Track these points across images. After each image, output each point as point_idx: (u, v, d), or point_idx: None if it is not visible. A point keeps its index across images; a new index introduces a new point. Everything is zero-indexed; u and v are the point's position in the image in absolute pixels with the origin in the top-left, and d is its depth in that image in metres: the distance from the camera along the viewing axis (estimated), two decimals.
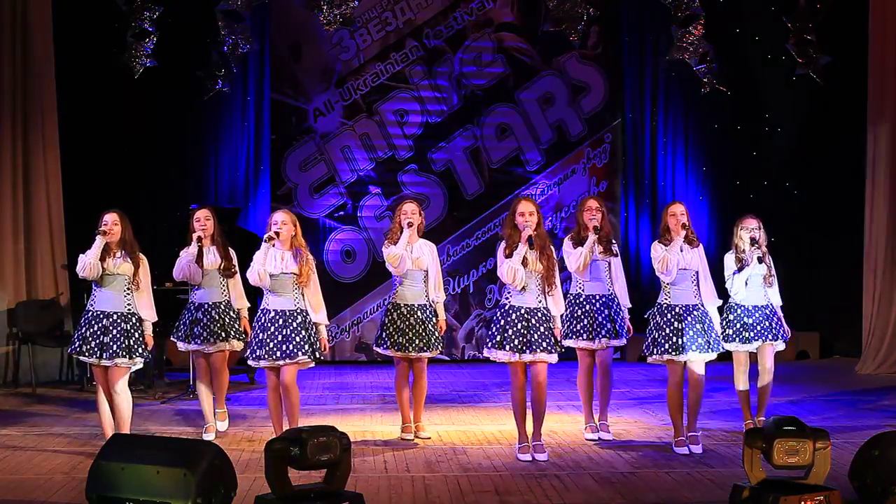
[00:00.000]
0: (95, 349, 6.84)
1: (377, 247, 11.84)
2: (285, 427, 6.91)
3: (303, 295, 7.06)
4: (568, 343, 7.36)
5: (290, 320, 6.96)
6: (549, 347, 6.78)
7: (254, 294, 9.64)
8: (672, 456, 7.00)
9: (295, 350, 6.92)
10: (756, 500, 5.37)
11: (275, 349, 6.90)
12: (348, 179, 11.95)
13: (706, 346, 7.09)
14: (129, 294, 6.97)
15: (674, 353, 7.05)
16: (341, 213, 11.89)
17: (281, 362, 6.93)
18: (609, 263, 7.47)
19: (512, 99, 12.11)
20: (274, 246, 6.96)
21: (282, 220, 7.00)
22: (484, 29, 12.10)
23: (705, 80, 11.49)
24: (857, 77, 11.32)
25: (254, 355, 7.01)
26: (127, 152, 11.40)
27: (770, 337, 7.65)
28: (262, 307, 7.08)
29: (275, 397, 7.10)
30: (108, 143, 11.34)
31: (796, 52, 11.24)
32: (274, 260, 6.95)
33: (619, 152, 12.28)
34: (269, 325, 6.95)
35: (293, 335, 6.93)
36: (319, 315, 7.12)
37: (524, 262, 6.76)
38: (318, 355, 7.07)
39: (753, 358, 7.86)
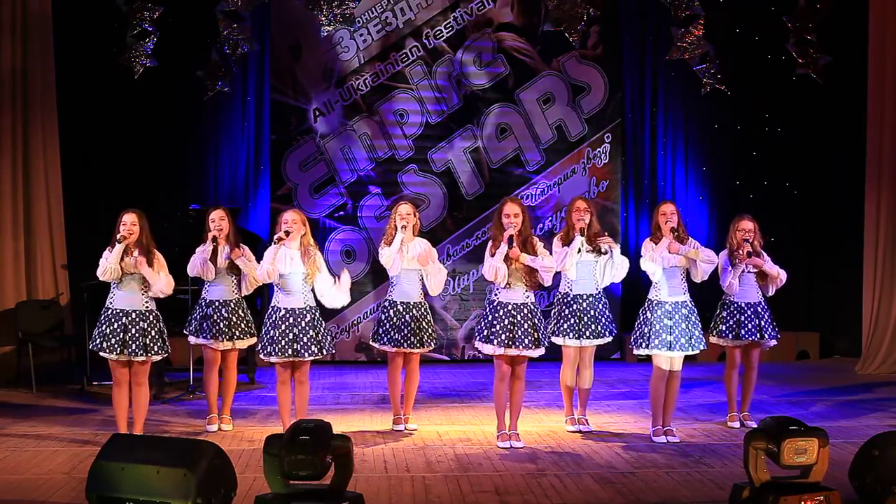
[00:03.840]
0: (116, 346, 7.10)
1: (377, 247, 11.83)
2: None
3: (312, 292, 7.28)
4: (555, 340, 7.63)
5: (299, 319, 7.19)
6: (530, 343, 7.09)
7: (255, 293, 9.69)
8: (672, 456, 7.01)
9: (303, 350, 7.17)
10: (756, 501, 5.37)
11: (286, 347, 7.14)
12: (348, 179, 11.94)
13: (687, 345, 7.38)
14: (146, 292, 7.22)
15: (662, 349, 7.32)
16: (341, 213, 11.88)
17: (291, 359, 7.17)
18: (596, 263, 7.63)
19: (512, 99, 12.11)
20: (284, 245, 7.17)
21: (292, 220, 7.23)
22: (484, 29, 12.09)
23: (705, 80, 11.49)
24: (857, 77, 11.32)
25: (265, 351, 7.24)
26: (127, 152, 11.41)
27: (758, 336, 7.81)
28: (272, 305, 7.31)
29: (284, 391, 7.32)
30: (108, 144, 11.36)
31: (796, 52, 11.25)
32: (284, 259, 7.15)
33: (619, 152, 12.27)
34: (280, 322, 7.18)
35: (302, 334, 7.17)
36: (337, 297, 7.28)
37: (507, 261, 7.02)
38: (325, 353, 7.30)
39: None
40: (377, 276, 11.76)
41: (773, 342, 8.00)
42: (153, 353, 7.22)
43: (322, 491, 5.28)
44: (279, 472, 5.16)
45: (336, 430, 5.38)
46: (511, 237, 6.99)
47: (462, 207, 12.02)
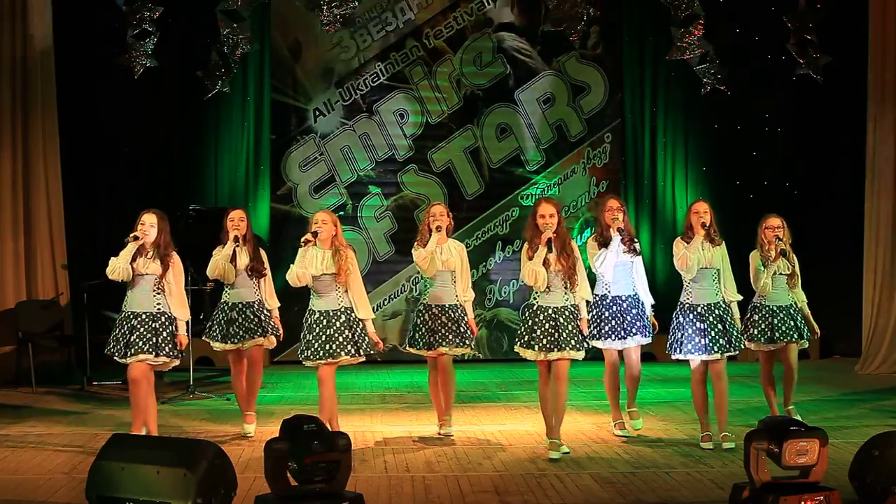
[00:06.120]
0: (121, 348, 6.89)
1: (377, 247, 11.85)
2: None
3: (346, 293, 7.08)
4: (597, 344, 7.45)
5: (333, 320, 7.00)
6: (576, 345, 6.85)
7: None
8: (672, 456, 7.00)
9: (338, 350, 6.98)
10: (756, 501, 5.37)
11: (319, 350, 6.97)
12: (348, 179, 11.95)
13: (727, 346, 7.14)
14: (158, 294, 7.00)
15: (699, 353, 7.12)
16: (341, 213, 11.87)
17: (323, 362, 6.99)
18: (633, 263, 7.51)
19: (512, 99, 12.12)
20: (315, 245, 6.99)
21: (322, 220, 7.05)
22: (484, 29, 12.10)
23: (705, 80, 11.49)
24: (857, 77, 11.32)
25: (303, 356, 7.10)
26: (127, 152, 11.41)
27: (796, 336, 7.73)
28: (308, 308, 7.13)
29: (326, 391, 7.10)
30: (107, 143, 11.35)
31: (796, 52, 11.24)
32: (315, 260, 6.99)
33: (618, 152, 12.28)
34: (315, 325, 7.02)
35: (336, 335, 6.98)
36: (363, 311, 7.14)
37: (546, 264, 6.82)
38: (363, 353, 7.09)
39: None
40: (377, 277, 11.77)
41: (807, 342, 7.90)
42: (163, 353, 6.89)
43: (322, 491, 5.28)
44: (296, 473, 5.08)
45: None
46: (549, 240, 6.81)
47: (462, 207, 12.01)
